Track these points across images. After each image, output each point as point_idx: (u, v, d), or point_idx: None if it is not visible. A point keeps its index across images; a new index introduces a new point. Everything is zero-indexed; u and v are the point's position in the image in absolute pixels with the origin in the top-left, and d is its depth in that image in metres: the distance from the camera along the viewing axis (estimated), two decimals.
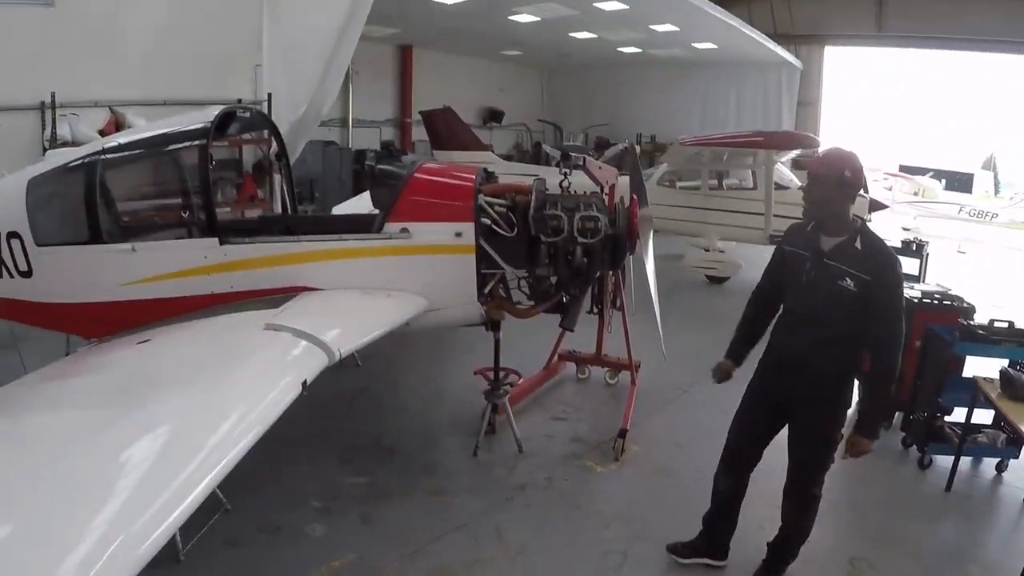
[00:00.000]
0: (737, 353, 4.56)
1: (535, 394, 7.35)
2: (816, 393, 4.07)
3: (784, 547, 4.46)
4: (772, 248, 4.57)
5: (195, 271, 5.40)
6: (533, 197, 5.44)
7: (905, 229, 19.26)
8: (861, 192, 12.42)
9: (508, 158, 21.34)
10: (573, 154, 6.04)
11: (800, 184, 10.65)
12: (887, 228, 17.16)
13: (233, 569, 4.55)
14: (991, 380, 5.69)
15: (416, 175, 5.75)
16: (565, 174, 5.75)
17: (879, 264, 3.86)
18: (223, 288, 5.39)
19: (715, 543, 4.66)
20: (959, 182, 31.41)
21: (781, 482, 4.40)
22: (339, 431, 6.46)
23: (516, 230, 5.49)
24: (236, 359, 4.09)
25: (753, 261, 11.25)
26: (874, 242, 3.97)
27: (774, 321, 4.39)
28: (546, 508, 5.37)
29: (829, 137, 23.18)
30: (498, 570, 4.66)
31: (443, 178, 5.94)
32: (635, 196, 5.72)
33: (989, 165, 36.01)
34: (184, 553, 4.38)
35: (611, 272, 6.47)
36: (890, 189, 24.45)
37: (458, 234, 5.43)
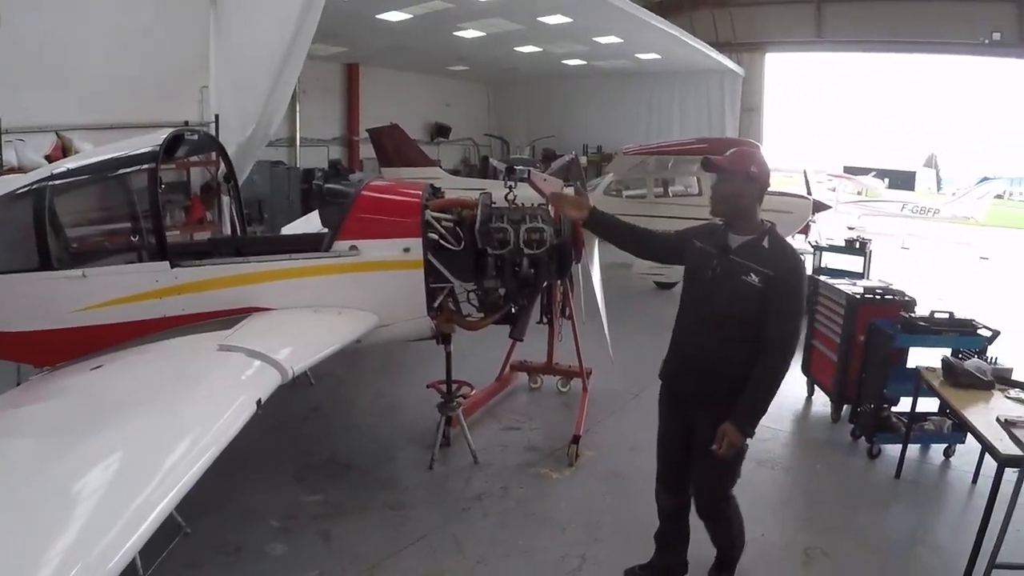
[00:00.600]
0: (602, 213, 4.44)
1: (488, 405, 7.39)
2: (721, 396, 3.91)
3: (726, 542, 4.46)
4: None
5: (146, 295, 5.39)
6: (479, 211, 5.54)
7: (850, 228, 19.63)
8: (805, 195, 12.84)
9: (456, 173, 21.43)
10: (518, 168, 6.12)
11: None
12: (832, 228, 17.52)
13: None
14: (934, 369, 5.78)
15: (363, 193, 5.83)
16: (510, 187, 5.85)
17: (783, 262, 3.85)
18: (175, 311, 5.39)
19: (673, 559, 4.56)
20: (901, 180, 32.21)
21: None
22: (294, 449, 6.45)
23: (463, 244, 5.58)
24: (190, 381, 4.12)
25: None
26: (781, 243, 3.99)
27: (674, 322, 4.26)
28: (503, 517, 5.41)
29: (772, 141, 23.70)
30: None
31: (390, 195, 6.03)
32: None
33: (931, 163, 36.99)
34: None
35: (559, 281, 6.57)
36: (834, 190, 24.85)
37: (406, 250, 5.50)
